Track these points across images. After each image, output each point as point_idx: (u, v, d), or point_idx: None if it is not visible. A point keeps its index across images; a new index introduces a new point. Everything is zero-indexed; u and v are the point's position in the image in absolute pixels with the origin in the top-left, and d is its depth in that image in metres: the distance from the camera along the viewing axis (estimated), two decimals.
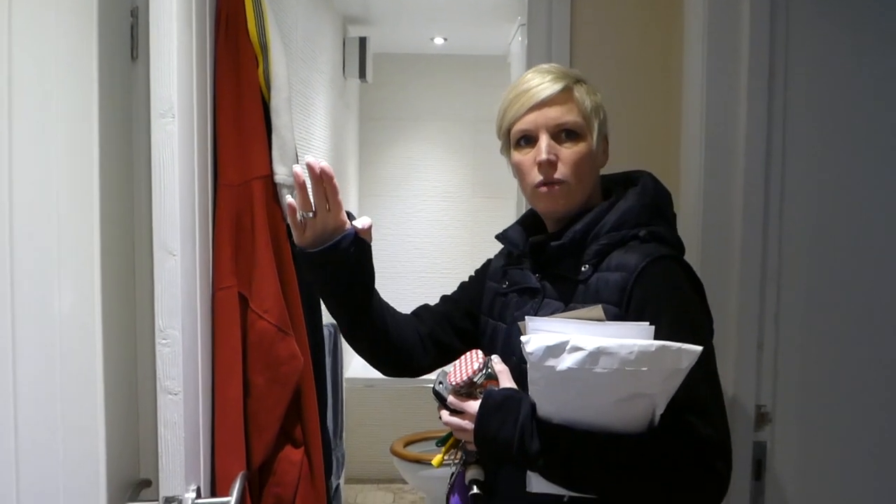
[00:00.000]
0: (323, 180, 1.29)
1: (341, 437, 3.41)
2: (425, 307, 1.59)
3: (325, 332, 2.98)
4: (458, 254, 5.27)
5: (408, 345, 1.49)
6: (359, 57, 4.45)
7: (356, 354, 5.03)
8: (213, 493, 1.40)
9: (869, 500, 1.81)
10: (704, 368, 1.17)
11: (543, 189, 1.33)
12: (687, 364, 1.10)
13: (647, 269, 1.24)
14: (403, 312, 1.56)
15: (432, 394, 1.35)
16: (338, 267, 1.35)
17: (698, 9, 1.83)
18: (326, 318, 1.71)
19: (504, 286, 1.45)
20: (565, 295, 1.32)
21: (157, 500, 1.24)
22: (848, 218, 1.80)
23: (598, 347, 1.09)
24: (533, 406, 1.20)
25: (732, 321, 1.77)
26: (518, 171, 1.37)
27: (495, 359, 1.31)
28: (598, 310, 1.23)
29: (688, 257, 1.35)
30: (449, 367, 1.35)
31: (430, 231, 5.42)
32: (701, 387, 1.19)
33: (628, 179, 1.41)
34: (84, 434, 1.21)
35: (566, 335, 1.11)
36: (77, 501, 1.19)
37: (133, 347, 1.37)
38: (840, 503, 1.83)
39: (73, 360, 1.17)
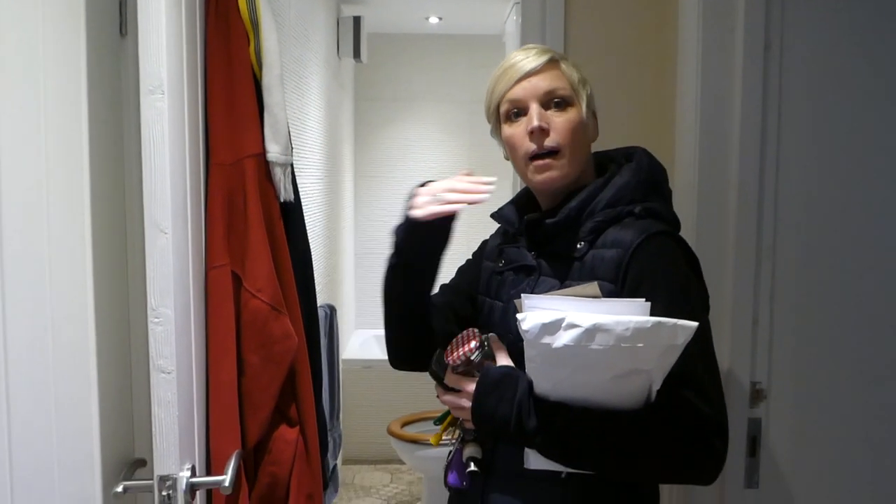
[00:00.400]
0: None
1: (338, 417, 3.41)
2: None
3: (321, 312, 2.98)
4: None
5: (421, 339, 1.49)
6: (353, 36, 4.43)
7: (352, 335, 5.01)
8: (209, 472, 1.40)
9: (863, 476, 1.82)
10: (701, 344, 1.18)
11: (537, 162, 1.33)
12: (683, 340, 1.11)
13: (643, 245, 1.24)
14: None
15: (429, 373, 1.36)
16: (439, 236, 1.37)
17: None
18: (322, 298, 1.70)
19: (500, 264, 1.45)
20: (561, 272, 1.32)
21: (152, 479, 1.24)
22: (843, 194, 1.79)
23: (594, 324, 1.09)
24: (530, 383, 1.21)
25: (727, 298, 1.77)
26: (510, 145, 1.36)
27: (492, 337, 1.31)
28: (593, 286, 1.23)
29: (683, 234, 1.34)
30: (446, 346, 1.34)
31: None
32: (697, 363, 1.19)
33: (623, 155, 1.41)
34: (78, 414, 1.21)
35: (562, 312, 1.11)
36: (72, 482, 1.19)
37: (126, 327, 1.37)
38: (835, 479, 1.84)
39: (66, 341, 1.16)
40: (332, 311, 3.36)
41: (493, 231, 1.55)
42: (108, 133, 1.29)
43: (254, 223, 1.47)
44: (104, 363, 1.26)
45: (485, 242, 1.57)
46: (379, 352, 5.19)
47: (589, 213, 1.32)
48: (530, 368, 1.20)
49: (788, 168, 1.78)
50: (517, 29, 2.37)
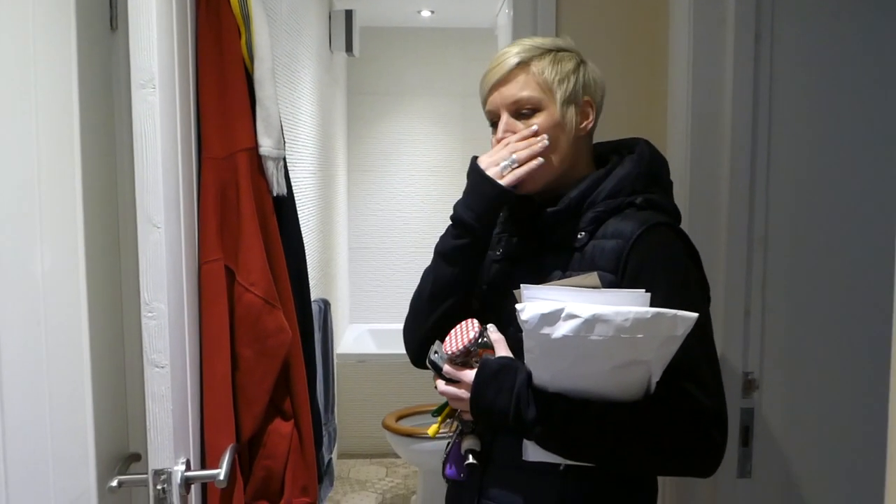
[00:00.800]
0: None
1: (333, 411, 3.42)
2: None
3: (315, 307, 2.98)
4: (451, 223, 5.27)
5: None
6: (345, 30, 4.42)
7: (346, 329, 5.01)
8: (203, 466, 1.40)
9: (855, 465, 1.83)
10: (701, 336, 1.18)
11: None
12: (683, 331, 1.11)
13: (643, 236, 1.24)
14: None
15: (428, 364, 1.35)
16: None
17: None
18: (316, 293, 1.70)
19: (499, 254, 1.45)
20: (562, 262, 1.32)
21: (147, 473, 1.24)
22: (835, 185, 1.80)
23: (594, 315, 1.09)
24: (529, 374, 1.21)
25: (720, 289, 1.78)
26: None
27: (491, 328, 1.31)
28: (593, 277, 1.23)
29: None
30: (443, 338, 1.34)
31: (419, 205, 5.42)
32: (697, 354, 1.19)
33: (624, 147, 1.41)
34: (72, 409, 1.20)
35: (561, 303, 1.11)
36: (67, 476, 1.19)
37: (119, 321, 1.37)
38: (827, 469, 1.85)
39: (59, 335, 1.16)
40: (326, 305, 3.36)
41: None
42: (100, 127, 1.29)
43: (247, 217, 1.47)
44: (98, 357, 1.26)
45: None
46: (373, 346, 5.20)
47: (590, 204, 1.32)
48: (529, 359, 1.20)
49: (780, 158, 1.79)
50: (509, 22, 2.37)
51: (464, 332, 1.29)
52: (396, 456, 4.38)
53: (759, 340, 1.81)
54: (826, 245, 1.81)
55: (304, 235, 1.81)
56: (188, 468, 1.28)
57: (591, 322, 1.09)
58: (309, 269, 1.87)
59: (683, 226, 1.36)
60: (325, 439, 2.95)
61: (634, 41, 2.03)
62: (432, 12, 4.86)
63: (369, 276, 5.49)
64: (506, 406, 1.20)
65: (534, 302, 1.14)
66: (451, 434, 1.41)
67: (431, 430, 1.41)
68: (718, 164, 1.80)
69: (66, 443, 1.19)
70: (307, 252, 1.90)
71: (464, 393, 1.26)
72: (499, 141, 1.34)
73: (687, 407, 1.18)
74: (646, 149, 1.38)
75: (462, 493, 1.41)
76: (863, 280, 1.80)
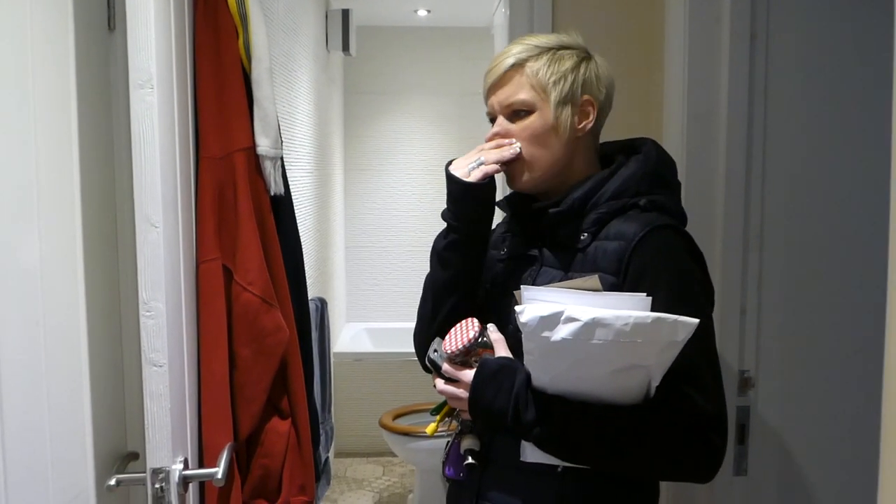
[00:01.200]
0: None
1: (330, 410, 3.42)
2: None
3: (312, 305, 2.98)
4: (443, 227, 5.27)
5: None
6: (342, 29, 4.42)
7: (343, 328, 5.00)
8: (201, 465, 1.41)
9: (851, 463, 1.84)
10: (702, 340, 1.17)
11: (504, 169, 1.35)
12: (683, 336, 1.10)
13: (646, 238, 1.23)
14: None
15: (427, 362, 1.35)
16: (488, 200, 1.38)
17: None
18: (313, 292, 1.71)
19: (502, 253, 1.45)
20: (564, 263, 1.31)
21: (145, 472, 1.24)
22: (830, 183, 1.81)
23: (594, 318, 1.08)
24: (528, 376, 1.20)
25: (715, 287, 1.77)
26: None
27: (491, 327, 1.30)
28: (594, 280, 1.22)
29: None
30: (444, 336, 1.34)
31: (416, 204, 5.42)
32: (698, 359, 1.18)
33: (631, 146, 1.40)
34: (71, 408, 1.21)
35: (561, 305, 1.11)
36: (65, 475, 1.19)
37: (118, 320, 1.37)
38: (822, 466, 1.86)
39: (58, 334, 1.17)
40: (323, 304, 3.36)
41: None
42: (98, 127, 1.29)
43: (244, 217, 1.47)
44: (96, 357, 1.26)
45: (492, 231, 1.57)
46: (370, 345, 5.20)
47: (593, 204, 1.31)
48: (528, 361, 1.19)
49: (775, 157, 1.80)
50: (505, 21, 2.37)
51: (463, 332, 1.28)
52: (393, 455, 4.39)
53: (754, 339, 1.82)
54: (821, 244, 1.82)
55: (301, 234, 1.81)
56: (186, 467, 1.29)
57: (591, 326, 1.08)
58: (306, 268, 1.87)
59: None
60: (323, 438, 2.96)
61: (630, 40, 2.03)
62: (429, 11, 4.87)
63: (366, 274, 5.49)
64: (504, 407, 1.19)
65: (533, 304, 1.13)
66: (449, 433, 1.41)
67: (430, 429, 1.41)
68: (714, 163, 1.80)
69: (65, 441, 1.19)
70: (304, 250, 1.90)
71: (462, 392, 1.26)
72: (489, 139, 1.36)
73: (686, 411, 1.17)
74: (652, 149, 1.36)
75: (462, 493, 1.42)
76: (858, 278, 1.81)
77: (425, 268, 1.58)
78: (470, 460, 1.33)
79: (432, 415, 1.41)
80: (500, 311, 1.38)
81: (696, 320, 1.10)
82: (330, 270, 4.56)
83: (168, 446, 1.25)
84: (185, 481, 1.27)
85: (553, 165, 1.34)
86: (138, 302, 1.23)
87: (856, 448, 1.83)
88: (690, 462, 1.20)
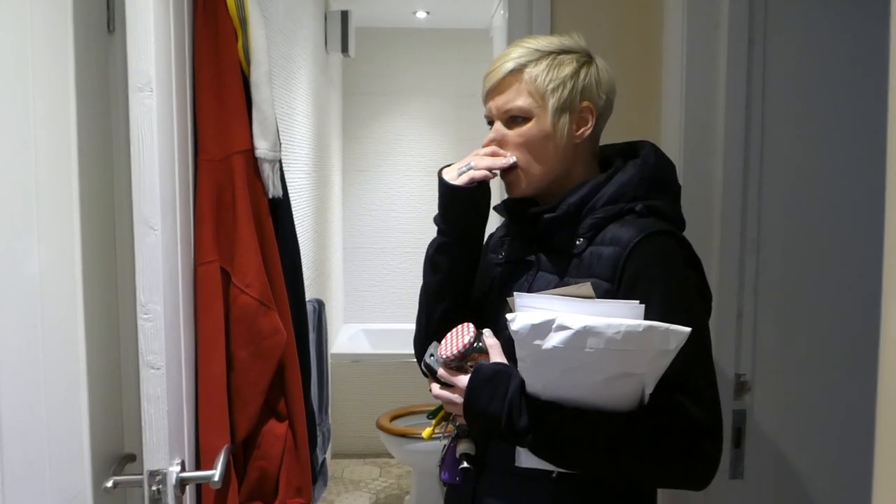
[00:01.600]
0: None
1: (327, 411, 3.42)
2: None
3: (310, 307, 2.98)
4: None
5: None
6: (341, 31, 4.42)
7: (341, 330, 4.99)
8: (198, 467, 1.41)
9: (847, 467, 1.84)
10: (697, 348, 1.16)
11: (501, 175, 1.35)
12: (675, 345, 1.09)
13: (641, 244, 1.22)
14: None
15: (423, 367, 1.35)
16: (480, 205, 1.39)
17: None
18: (311, 293, 1.71)
19: (500, 257, 1.45)
20: (560, 268, 1.31)
21: (142, 474, 1.25)
22: (827, 188, 1.81)
23: (585, 327, 1.08)
24: (522, 382, 1.20)
25: (712, 291, 1.78)
26: None
27: (486, 332, 1.30)
28: (587, 287, 1.21)
29: None
30: (440, 340, 1.34)
31: (414, 206, 5.43)
32: (692, 367, 1.18)
33: (630, 150, 1.38)
34: (68, 410, 1.21)
35: (553, 313, 1.10)
36: (62, 476, 1.20)
37: (115, 323, 1.37)
38: (818, 469, 1.86)
39: (56, 337, 1.17)
40: (320, 305, 3.37)
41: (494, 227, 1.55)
42: (97, 130, 1.29)
43: (242, 219, 1.47)
44: (94, 359, 1.26)
45: (490, 236, 1.56)
46: (368, 346, 5.20)
47: (589, 209, 1.30)
48: (521, 368, 1.19)
49: (772, 162, 1.80)
50: (504, 23, 2.38)
51: (459, 336, 1.28)
52: (390, 456, 4.39)
53: (751, 342, 1.82)
54: (818, 247, 1.82)
55: (298, 236, 1.81)
56: (183, 469, 1.29)
57: (582, 334, 1.08)
58: (304, 269, 1.87)
59: None
60: (319, 439, 2.96)
61: (629, 45, 2.03)
62: (428, 13, 4.87)
63: (364, 275, 5.49)
64: (498, 412, 1.19)
65: (525, 311, 1.13)
66: (446, 436, 1.41)
67: (426, 433, 1.40)
68: (712, 167, 1.80)
69: (62, 444, 1.19)
70: (302, 252, 1.91)
71: (457, 398, 1.25)
72: (485, 146, 1.36)
73: (680, 420, 1.17)
74: (651, 153, 1.35)
75: (457, 498, 1.42)
76: (854, 282, 1.81)
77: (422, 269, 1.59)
78: (465, 465, 1.33)
79: (429, 419, 1.41)
80: (497, 316, 1.37)
81: (688, 329, 1.09)
82: (328, 271, 4.56)
83: (165, 448, 1.25)
84: (181, 483, 1.27)
85: (550, 173, 1.33)
86: (136, 304, 1.23)
87: (851, 452, 1.84)
88: (683, 470, 1.19)
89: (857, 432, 1.83)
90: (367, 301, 5.52)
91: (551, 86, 1.30)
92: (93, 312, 1.26)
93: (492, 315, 1.40)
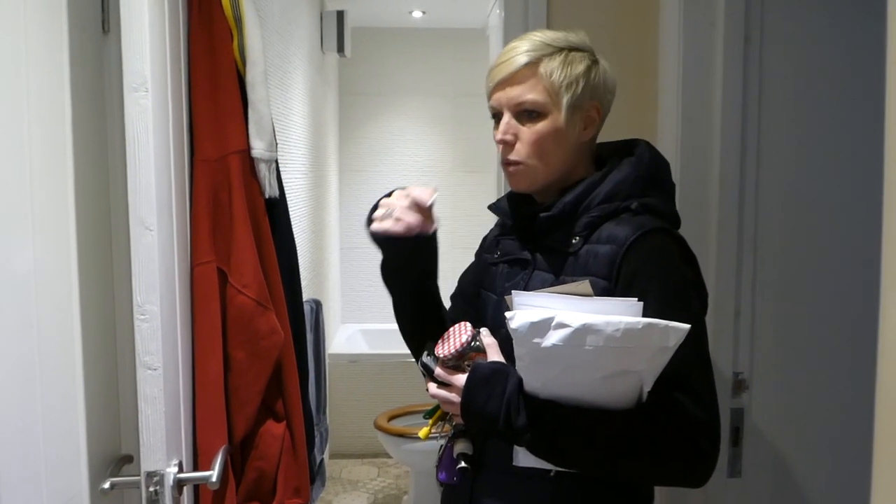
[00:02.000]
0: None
1: (325, 411, 3.42)
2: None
3: (307, 307, 2.98)
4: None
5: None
6: (337, 31, 4.42)
7: (338, 329, 4.99)
8: (196, 468, 1.41)
9: (844, 465, 1.84)
10: (695, 345, 1.16)
11: (505, 168, 1.34)
12: (674, 342, 1.09)
13: (637, 242, 1.22)
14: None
15: (420, 366, 1.34)
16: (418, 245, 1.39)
17: None
18: (307, 293, 1.71)
19: (495, 256, 1.44)
20: (556, 267, 1.30)
21: (139, 475, 1.24)
22: (824, 185, 1.81)
23: (584, 324, 1.08)
24: (520, 380, 1.19)
25: (709, 289, 1.77)
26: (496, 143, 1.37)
27: (484, 331, 1.30)
28: (585, 285, 1.20)
29: None
30: (437, 339, 1.34)
31: None
32: (691, 365, 1.18)
33: (624, 148, 1.38)
34: (64, 411, 1.21)
35: (551, 311, 1.10)
36: (59, 478, 1.19)
37: (112, 324, 1.37)
38: (816, 468, 1.86)
39: (52, 338, 1.16)
40: (317, 305, 3.36)
41: (476, 225, 1.55)
42: (92, 130, 1.29)
43: (239, 219, 1.47)
44: (90, 360, 1.26)
45: (484, 238, 1.56)
46: (365, 346, 5.20)
47: (585, 208, 1.29)
48: (520, 366, 1.19)
49: (769, 160, 1.80)
50: (500, 22, 2.37)
51: (456, 336, 1.28)
52: (388, 456, 4.38)
53: (748, 341, 1.82)
54: (815, 246, 1.82)
55: (295, 236, 1.81)
56: (180, 470, 1.29)
57: (582, 332, 1.08)
58: (300, 269, 1.87)
59: None
60: (317, 440, 2.95)
61: (625, 43, 2.03)
62: (424, 13, 4.87)
63: (361, 275, 5.49)
64: (496, 412, 1.19)
65: (523, 310, 1.13)
66: (443, 435, 1.41)
67: (423, 433, 1.40)
68: (708, 165, 1.81)
69: (59, 445, 1.19)
70: (299, 252, 1.90)
71: (455, 397, 1.25)
72: (497, 142, 1.32)
73: (677, 418, 1.17)
74: (645, 151, 1.35)
75: (455, 498, 1.42)
76: (851, 280, 1.82)
77: None
78: (463, 464, 1.32)
79: (425, 419, 1.41)
80: (493, 315, 1.37)
81: (688, 326, 1.09)
82: (325, 271, 4.56)
83: (162, 449, 1.24)
84: (179, 484, 1.27)
85: (557, 170, 1.33)
86: (132, 305, 1.23)
87: (849, 450, 1.84)
88: (681, 467, 1.19)
89: (854, 430, 1.83)
90: (365, 301, 5.51)
91: (566, 82, 1.29)
92: (89, 313, 1.25)
93: (488, 314, 1.40)
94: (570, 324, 1.08)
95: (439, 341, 1.30)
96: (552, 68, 1.29)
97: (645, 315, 1.11)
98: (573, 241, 1.29)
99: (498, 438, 1.26)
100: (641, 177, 1.31)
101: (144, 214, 1.21)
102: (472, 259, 1.57)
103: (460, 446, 1.34)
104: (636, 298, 1.13)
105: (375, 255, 1.46)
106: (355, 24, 4.98)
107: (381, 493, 4.22)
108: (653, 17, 1.98)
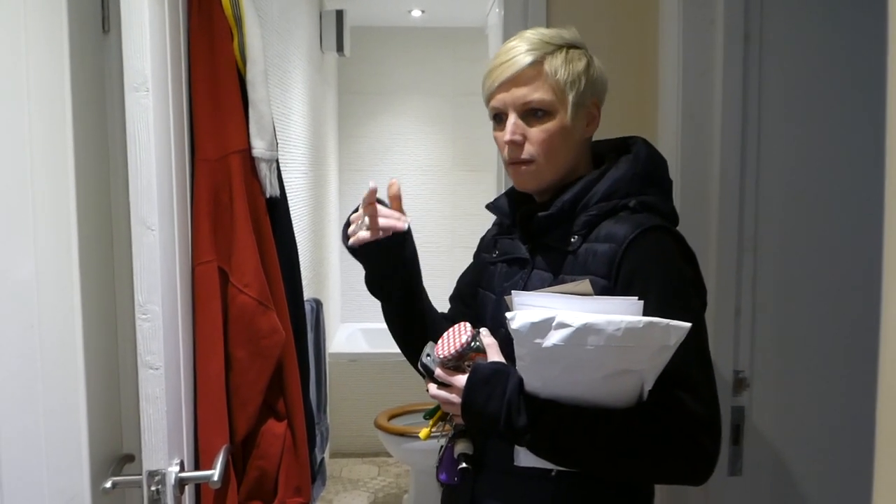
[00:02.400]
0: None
1: (325, 410, 3.42)
2: (444, 315, 1.57)
3: (307, 306, 2.98)
4: (438, 227, 5.27)
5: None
6: (336, 30, 4.41)
7: (338, 329, 4.99)
8: (197, 467, 1.41)
9: (845, 464, 1.84)
10: (695, 343, 1.16)
11: (513, 167, 1.33)
12: (675, 341, 1.09)
13: (636, 240, 1.21)
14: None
15: (420, 367, 1.34)
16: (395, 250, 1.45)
17: None
18: (308, 293, 1.71)
19: (494, 256, 1.44)
20: (555, 266, 1.30)
21: (141, 474, 1.24)
22: (824, 184, 1.81)
23: (585, 324, 1.07)
24: (520, 380, 1.19)
25: (710, 288, 1.77)
26: (497, 144, 1.36)
27: (484, 332, 1.30)
28: (585, 284, 1.20)
29: None
30: (437, 340, 1.33)
31: (410, 205, 5.37)
32: (691, 363, 1.18)
33: (621, 146, 1.38)
34: (66, 410, 1.21)
35: (552, 311, 1.10)
36: (60, 477, 1.19)
37: (113, 323, 1.37)
38: (817, 467, 1.86)
39: (54, 337, 1.17)
40: (318, 304, 3.36)
41: (476, 224, 1.56)
42: (93, 130, 1.29)
43: (240, 219, 1.47)
44: (92, 359, 1.26)
45: (482, 238, 1.56)
46: (365, 345, 5.20)
47: (583, 207, 1.29)
48: (520, 366, 1.19)
49: (769, 159, 1.80)
50: (499, 21, 2.38)
51: (456, 336, 1.27)
52: (388, 455, 4.39)
53: (749, 339, 1.82)
54: (816, 244, 1.82)
55: (296, 235, 1.81)
56: (182, 469, 1.29)
57: (583, 331, 1.08)
58: (301, 269, 1.87)
59: None
60: (318, 439, 2.95)
61: (624, 42, 2.04)
62: (423, 12, 4.87)
63: (361, 275, 5.44)
64: (496, 412, 1.19)
65: (524, 310, 1.13)
66: (443, 435, 1.41)
67: (423, 434, 1.39)
68: (708, 163, 1.80)
69: (60, 444, 1.19)
70: (299, 252, 1.91)
71: (455, 397, 1.25)
72: (507, 143, 1.30)
73: (678, 416, 1.17)
74: (643, 148, 1.34)
75: (455, 498, 1.41)
76: (852, 278, 1.81)
77: None
78: (463, 465, 1.32)
79: (426, 419, 1.40)
80: (492, 315, 1.37)
81: (689, 324, 1.09)
82: (325, 271, 4.56)
83: (164, 449, 1.25)
84: (181, 483, 1.27)
85: (562, 169, 1.32)
86: (134, 304, 1.23)
87: (850, 448, 1.84)
88: (682, 466, 1.19)
89: (855, 429, 1.83)
90: (365, 300, 5.46)
91: (570, 80, 1.28)
92: (90, 313, 1.25)
93: (487, 314, 1.39)
94: (571, 323, 1.08)
95: (439, 342, 1.29)
96: (556, 66, 1.28)
97: (645, 313, 1.11)
98: (572, 239, 1.29)
99: (499, 439, 1.26)
100: (639, 174, 1.31)
101: (146, 214, 1.21)
102: (472, 258, 1.57)
103: (461, 446, 1.34)
104: (636, 297, 1.13)
105: None
106: (354, 23, 4.98)
107: (381, 493, 4.22)
108: (653, 15, 1.98)
